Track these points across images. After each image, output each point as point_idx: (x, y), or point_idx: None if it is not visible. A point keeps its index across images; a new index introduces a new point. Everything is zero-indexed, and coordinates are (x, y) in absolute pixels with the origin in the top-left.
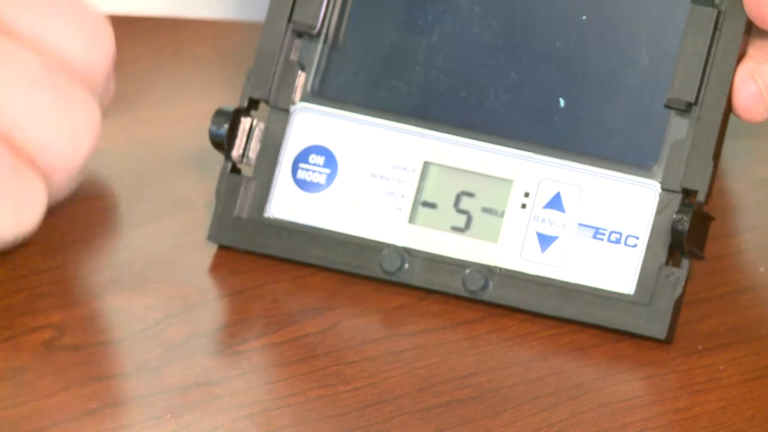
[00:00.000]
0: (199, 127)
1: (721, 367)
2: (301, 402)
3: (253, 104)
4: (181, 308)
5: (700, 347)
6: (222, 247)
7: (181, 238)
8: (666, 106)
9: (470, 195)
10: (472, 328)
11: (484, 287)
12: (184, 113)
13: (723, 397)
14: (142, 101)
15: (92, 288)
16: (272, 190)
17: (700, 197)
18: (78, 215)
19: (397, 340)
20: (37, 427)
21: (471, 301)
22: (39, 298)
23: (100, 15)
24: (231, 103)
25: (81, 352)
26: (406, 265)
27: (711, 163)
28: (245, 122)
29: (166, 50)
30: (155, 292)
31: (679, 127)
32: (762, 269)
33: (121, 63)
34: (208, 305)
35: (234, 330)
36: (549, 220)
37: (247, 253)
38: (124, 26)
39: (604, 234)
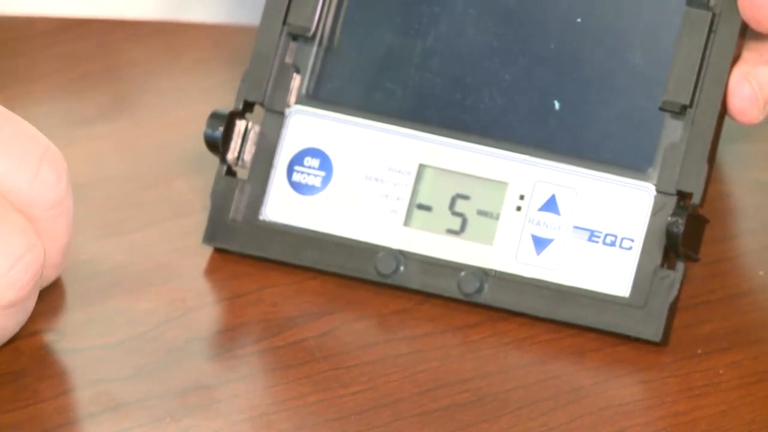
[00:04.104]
0: (197, 130)
1: (721, 371)
2: (300, 406)
3: (248, 107)
4: (181, 312)
5: (699, 351)
6: (218, 250)
7: (180, 242)
8: (661, 109)
9: (465, 197)
10: (471, 332)
11: (480, 290)
12: (183, 116)
13: (722, 400)
14: (141, 104)
15: (91, 291)
16: (267, 193)
17: (695, 200)
18: (76, 218)
19: (396, 344)
20: (38, 430)
21: (470, 305)
22: (38, 302)
23: (47, 145)
24: (230, 106)
25: (80, 355)
26: (402, 268)
27: (706, 166)
28: (240, 125)
29: (164, 54)
30: (154, 295)
31: (673, 129)
32: (761, 272)
33: (120, 66)
34: (207, 309)
35: (233, 334)
36: (544, 223)
37: (244, 256)
38: (122, 30)
39: (599, 236)
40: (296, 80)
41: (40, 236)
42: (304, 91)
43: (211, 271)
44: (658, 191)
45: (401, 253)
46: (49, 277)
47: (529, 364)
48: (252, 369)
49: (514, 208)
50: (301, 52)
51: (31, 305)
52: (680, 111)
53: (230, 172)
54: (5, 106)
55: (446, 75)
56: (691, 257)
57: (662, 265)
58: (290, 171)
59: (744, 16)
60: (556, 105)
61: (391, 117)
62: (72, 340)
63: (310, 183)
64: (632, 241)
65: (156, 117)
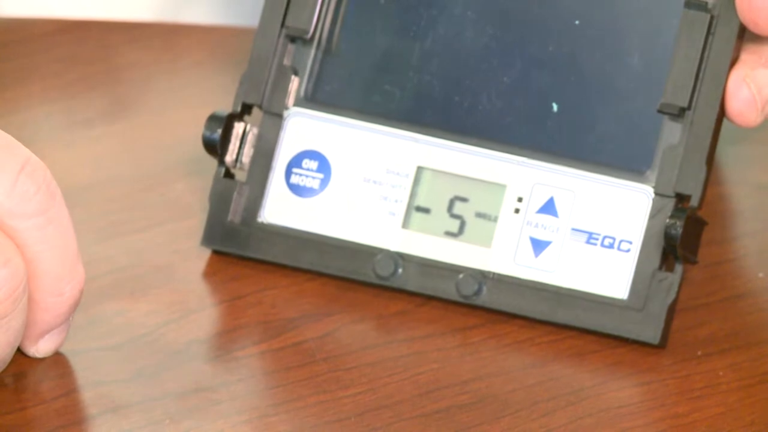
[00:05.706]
0: (197, 132)
1: (720, 373)
2: (300, 408)
3: (247, 109)
4: (180, 314)
5: (699, 353)
6: (217, 252)
7: (180, 244)
8: (659, 111)
9: (464, 200)
10: (470, 334)
11: (478, 292)
12: (182, 119)
13: (722, 402)
14: (140, 107)
15: (91, 293)
16: (265, 195)
17: (694, 202)
18: (76, 220)
19: (396, 346)
20: None
21: (469, 307)
22: None
23: (28, 156)
24: (228, 109)
25: (80, 357)
26: (400, 270)
27: (704, 168)
28: (238, 127)
29: (163, 56)
30: (154, 297)
31: (672, 131)
32: (761, 274)
33: (119, 68)
34: (207, 311)
35: (233, 336)
36: (542, 225)
37: (243, 258)
38: (122, 32)
39: (597, 239)
40: (294, 82)
41: (25, 249)
42: (302, 93)
43: (211, 273)
44: (656, 193)
45: (400, 255)
46: (61, 290)
47: (528, 366)
48: (252, 371)
49: (513, 210)
50: (299, 54)
51: (17, 324)
52: (678, 113)
53: (228, 175)
54: (5, 107)
55: (444, 77)
56: (690, 259)
57: (661, 268)
58: (288, 173)
59: (742, 19)
60: (555, 107)
61: (389, 119)
62: (72, 341)
63: (309, 185)
64: (630, 243)
65: (155, 119)
